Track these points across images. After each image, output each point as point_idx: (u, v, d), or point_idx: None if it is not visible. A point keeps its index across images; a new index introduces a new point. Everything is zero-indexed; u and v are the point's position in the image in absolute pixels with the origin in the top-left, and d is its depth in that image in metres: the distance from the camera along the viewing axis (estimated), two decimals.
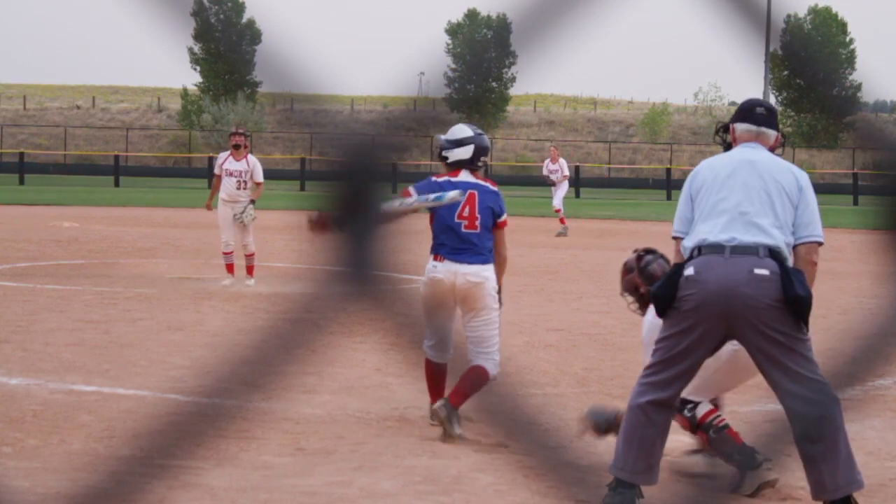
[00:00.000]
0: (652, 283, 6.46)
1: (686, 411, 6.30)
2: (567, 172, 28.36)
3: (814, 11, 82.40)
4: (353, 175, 1.38)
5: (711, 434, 6.21)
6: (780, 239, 5.34)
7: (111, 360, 9.33)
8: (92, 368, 8.98)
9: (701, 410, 6.31)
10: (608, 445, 6.97)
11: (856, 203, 47.88)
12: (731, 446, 6.15)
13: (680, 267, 5.40)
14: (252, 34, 74.43)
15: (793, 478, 6.04)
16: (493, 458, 6.58)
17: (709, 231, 5.37)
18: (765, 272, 5.22)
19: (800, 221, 5.44)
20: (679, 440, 7.18)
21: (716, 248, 5.31)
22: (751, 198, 5.40)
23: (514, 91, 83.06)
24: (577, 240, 25.02)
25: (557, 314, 12.89)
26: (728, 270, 5.24)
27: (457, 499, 5.83)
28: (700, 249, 5.36)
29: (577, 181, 53.70)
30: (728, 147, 5.80)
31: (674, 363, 5.37)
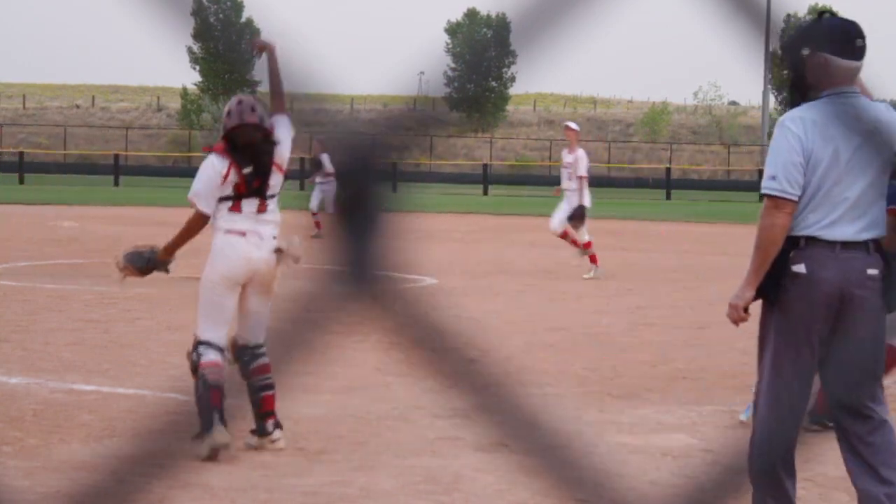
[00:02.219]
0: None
1: (195, 353, 6.55)
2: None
3: (814, 11, 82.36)
4: (352, 174, 1.38)
5: (200, 383, 6.46)
6: (882, 220, 4.92)
7: (111, 360, 9.33)
8: (92, 368, 8.98)
9: (207, 357, 6.52)
10: (609, 446, 6.98)
11: None
12: (205, 404, 6.41)
13: (785, 261, 4.81)
14: (251, 33, 74.38)
15: None
16: (492, 457, 6.58)
17: (820, 221, 4.81)
18: (875, 272, 4.83)
19: None
20: (677, 438, 7.18)
21: (827, 244, 4.79)
22: (870, 189, 4.86)
23: (513, 90, 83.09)
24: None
25: (557, 314, 12.89)
26: (842, 269, 4.78)
27: (457, 498, 5.83)
28: (806, 240, 4.81)
29: None
30: (799, 79, 4.92)
31: (795, 377, 4.90)
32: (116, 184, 51.36)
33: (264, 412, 6.62)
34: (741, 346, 10.68)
